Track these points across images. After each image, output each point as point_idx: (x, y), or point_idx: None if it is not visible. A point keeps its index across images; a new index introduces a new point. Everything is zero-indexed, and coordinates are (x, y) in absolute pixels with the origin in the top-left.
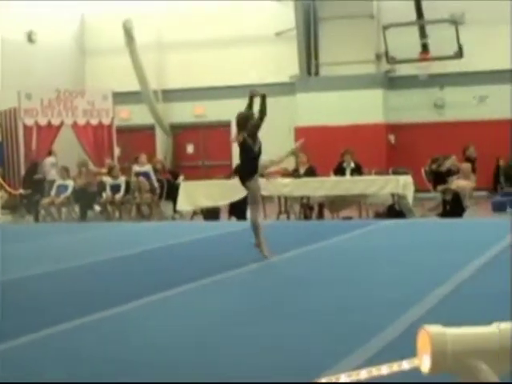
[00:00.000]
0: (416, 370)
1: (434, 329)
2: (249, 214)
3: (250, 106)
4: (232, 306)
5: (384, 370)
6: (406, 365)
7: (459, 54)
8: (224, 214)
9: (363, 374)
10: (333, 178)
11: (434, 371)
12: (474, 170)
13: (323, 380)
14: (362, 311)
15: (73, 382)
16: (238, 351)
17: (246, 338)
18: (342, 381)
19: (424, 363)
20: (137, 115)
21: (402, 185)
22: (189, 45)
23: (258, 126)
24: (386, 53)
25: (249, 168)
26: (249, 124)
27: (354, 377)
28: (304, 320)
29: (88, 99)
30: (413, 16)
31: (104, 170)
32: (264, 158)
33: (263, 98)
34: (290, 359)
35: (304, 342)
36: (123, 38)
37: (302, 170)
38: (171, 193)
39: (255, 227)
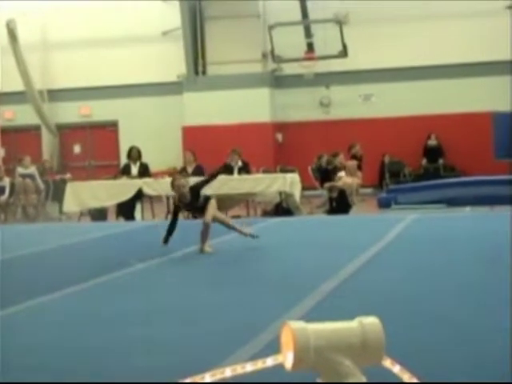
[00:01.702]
0: (280, 367)
1: (297, 324)
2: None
3: None
4: (119, 308)
5: (248, 367)
6: (270, 361)
7: (344, 53)
8: (112, 215)
9: (228, 372)
10: (220, 177)
11: (297, 367)
12: (359, 168)
13: (187, 380)
14: (247, 310)
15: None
16: (124, 353)
17: (130, 340)
18: (206, 380)
19: (287, 359)
20: (22, 115)
21: (290, 183)
22: (74, 44)
23: None
24: (272, 52)
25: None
26: None
27: (218, 375)
28: (188, 321)
29: None
30: (298, 16)
31: None
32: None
33: None
34: (174, 359)
35: (188, 341)
36: (6, 37)
37: (189, 169)
38: (57, 194)
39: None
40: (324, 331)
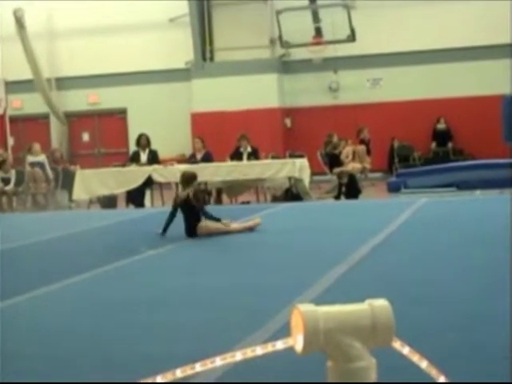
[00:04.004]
0: (290, 350)
1: (306, 307)
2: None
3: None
4: (129, 294)
5: (258, 350)
6: (280, 345)
7: (352, 37)
8: (121, 202)
9: (238, 356)
10: (229, 163)
11: (308, 350)
12: (368, 152)
13: (197, 365)
14: (257, 295)
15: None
16: (134, 339)
17: (140, 326)
18: (217, 363)
19: (298, 342)
20: (30, 104)
21: (299, 168)
22: (81, 31)
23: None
24: (280, 37)
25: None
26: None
27: (229, 359)
28: (199, 307)
29: None
30: (305, 0)
31: None
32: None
33: None
34: (183, 347)
35: (198, 329)
36: (14, 26)
37: (198, 156)
38: (67, 182)
39: None
40: (334, 313)
